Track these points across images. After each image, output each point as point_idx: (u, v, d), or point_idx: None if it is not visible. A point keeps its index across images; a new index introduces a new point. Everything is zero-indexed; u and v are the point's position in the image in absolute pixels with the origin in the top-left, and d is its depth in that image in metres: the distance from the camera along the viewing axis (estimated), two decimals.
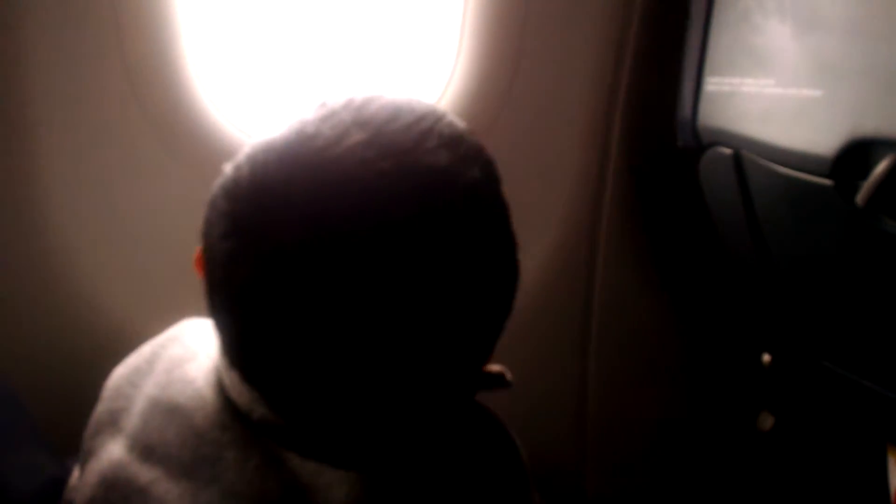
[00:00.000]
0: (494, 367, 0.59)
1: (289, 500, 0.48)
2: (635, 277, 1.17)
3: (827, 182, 0.77)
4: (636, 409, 1.23)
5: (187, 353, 0.56)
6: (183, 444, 0.51)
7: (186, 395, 0.52)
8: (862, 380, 0.89)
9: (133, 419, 0.54)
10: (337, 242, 0.42)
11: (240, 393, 0.50)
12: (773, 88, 0.81)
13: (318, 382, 0.45)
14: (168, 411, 0.52)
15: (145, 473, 0.51)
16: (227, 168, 0.47)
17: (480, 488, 0.51)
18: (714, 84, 0.90)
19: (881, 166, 0.71)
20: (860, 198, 0.73)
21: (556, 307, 1.14)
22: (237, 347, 0.47)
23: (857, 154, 0.74)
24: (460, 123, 0.49)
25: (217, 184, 0.46)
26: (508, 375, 0.61)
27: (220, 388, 0.52)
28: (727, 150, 0.89)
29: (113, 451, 0.53)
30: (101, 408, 0.57)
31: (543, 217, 1.10)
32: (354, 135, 0.44)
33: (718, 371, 1.24)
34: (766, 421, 1.09)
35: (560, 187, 1.10)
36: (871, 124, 0.72)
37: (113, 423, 0.55)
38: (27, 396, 0.73)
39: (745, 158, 0.87)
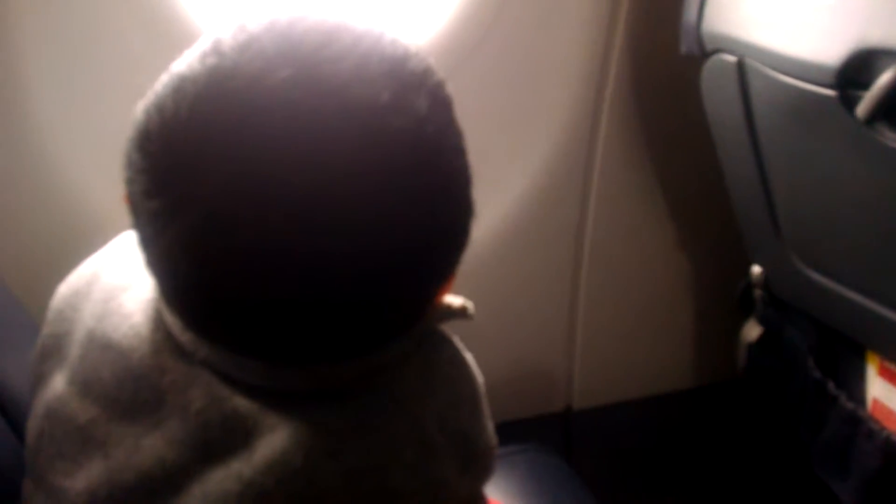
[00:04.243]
0: (456, 302, 0.57)
1: (233, 443, 0.46)
2: (631, 186, 1.17)
3: (831, 93, 0.76)
4: (627, 316, 1.26)
5: (123, 281, 0.52)
6: (120, 386, 0.49)
7: (121, 332, 0.50)
8: (848, 291, 0.91)
9: (74, 349, 0.52)
10: (267, 202, 0.39)
11: (182, 331, 0.48)
12: None
13: (256, 328, 0.43)
14: (103, 347, 0.50)
15: (84, 411, 0.49)
16: (138, 112, 0.42)
17: (430, 423, 0.49)
18: None
19: (884, 77, 0.70)
20: (860, 109, 0.72)
21: (551, 214, 1.14)
22: (174, 297, 0.45)
23: (863, 64, 0.72)
24: (403, 39, 0.44)
25: (132, 130, 0.42)
26: (470, 309, 0.58)
27: (160, 322, 0.49)
28: (731, 58, 0.87)
29: (57, 383, 0.52)
30: (45, 331, 0.54)
31: (543, 120, 1.09)
32: (279, 70, 0.39)
33: (711, 280, 1.27)
34: (753, 331, 1.12)
35: (560, 92, 1.08)
36: (879, 33, 0.71)
37: (58, 349, 0.53)
38: (23, 295, 0.74)
39: (748, 66, 0.86)
